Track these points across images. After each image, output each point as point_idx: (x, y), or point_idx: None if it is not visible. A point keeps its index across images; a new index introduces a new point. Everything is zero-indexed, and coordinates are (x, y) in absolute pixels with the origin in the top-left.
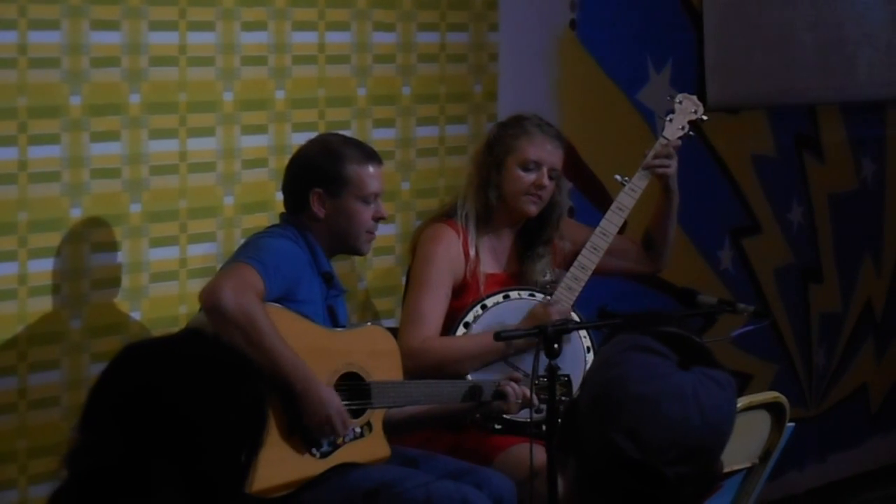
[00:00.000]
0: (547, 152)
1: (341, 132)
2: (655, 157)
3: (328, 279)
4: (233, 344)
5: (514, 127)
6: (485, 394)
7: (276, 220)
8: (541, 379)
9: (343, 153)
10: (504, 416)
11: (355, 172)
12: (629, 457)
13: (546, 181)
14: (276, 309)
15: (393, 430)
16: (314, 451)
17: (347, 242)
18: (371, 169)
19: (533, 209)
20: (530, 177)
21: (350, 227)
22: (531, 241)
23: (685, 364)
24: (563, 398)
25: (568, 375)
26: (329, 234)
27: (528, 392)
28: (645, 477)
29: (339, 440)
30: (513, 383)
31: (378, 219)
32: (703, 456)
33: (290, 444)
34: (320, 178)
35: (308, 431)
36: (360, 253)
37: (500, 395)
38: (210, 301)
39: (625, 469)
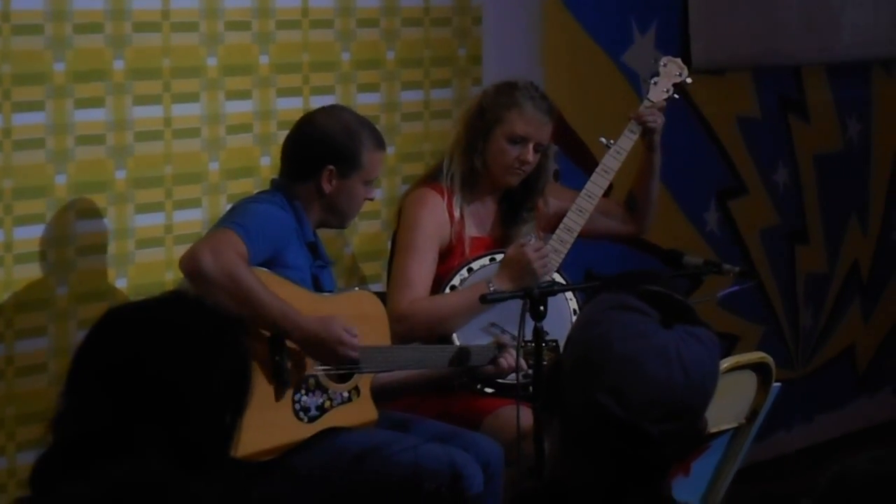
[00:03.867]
0: (535, 128)
1: (326, 98)
2: (639, 118)
3: (313, 248)
4: (217, 304)
5: (507, 96)
6: (472, 359)
7: (262, 186)
8: (528, 344)
9: (361, 136)
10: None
11: (368, 158)
12: (613, 415)
13: (530, 157)
14: (263, 273)
15: (381, 395)
16: (302, 415)
17: (338, 219)
18: (380, 155)
19: (514, 181)
20: (515, 150)
21: (348, 206)
22: (515, 206)
23: (667, 322)
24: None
25: (556, 340)
26: (324, 209)
27: (520, 361)
28: (629, 435)
29: (328, 405)
30: (507, 354)
31: (367, 199)
32: (687, 413)
33: (277, 409)
34: (337, 156)
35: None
36: (342, 227)
37: (494, 362)
38: (190, 266)
39: (609, 428)
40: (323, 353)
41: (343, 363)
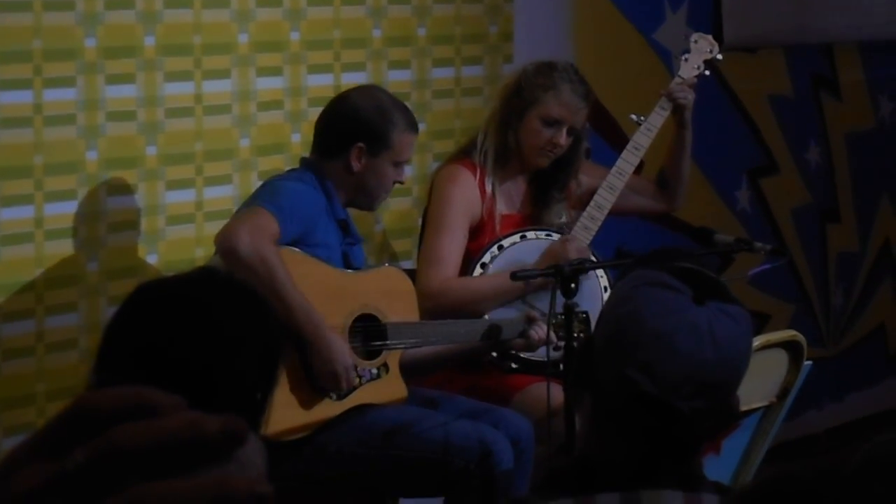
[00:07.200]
0: (570, 111)
1: (356, 74)
2: (670, 94)
3: (344, 226)
4: (246, 282)
5: (546, 77)
6: (503, 333)
7: (292, 163)
8: (558, 317)
9: (393, 116)
10: (520, 354)
11: (399, 138)
12: (645, 392)
13: (562, 140)
14: (291, 252)
15: (410, 372)
16: (331, 393)
17: (366, 200)
18: (411, 138)
19: (544, 162)
20: (548, 132)
21: (376, 186)
22: (546, 184)
23: (700, 299)
24: (582, 335)
25: (586, 312)
26: (352, 188)
27: (550, 333)
28: (661, 412)
29: (357, 382)
30: (537, 327)
31: (397, 182)
32: (719, 390)
33: (306, 387)
34: (367, 134)
35: (318, 378)
36: (371, 209)
37: (524, 335)
38: (225, 245)
39: (640, 404)
40: (324, 364)
41: (329, 387)
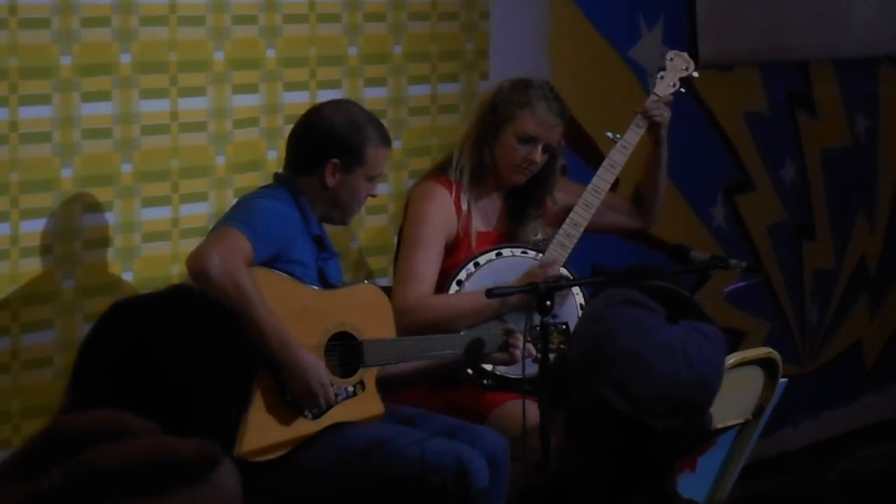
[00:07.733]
0: (545, 129)
1: (332, 92)
2: (645, 112)
3: (319, 242)
4: (220, 299)
5: (521, 94)
6: (480, 346)
7: (268, 180)
8: (536, 329)
9: (367, 131)
10: (496, 371)
11: (373, 154)
12: (618, 411)
13: (538, 157)
14: (265, 272)
15: (387, 387)
16: (306, 412)
17: (339, 214)
18: (385, 152)
19: (520, 179)
20: (524, 150)
21: (350, 201)
22: (522, 202)
23: (673, 318)
24: (562, 346)
25: (566, 323)
26: (327, 203)
27: (531, 349)
28: (634, 431)
29: (333, 399)
30: (517, 340)
31: (370, 195)
32: (692, 409)
33: (282, 407)
34: (342, 150)
35: (295, 398)
36: (344, 223)
37: (505, 348)
38: (197, 267)
39: (614, 423)
40: (300, 384)
41: (307, 404)
